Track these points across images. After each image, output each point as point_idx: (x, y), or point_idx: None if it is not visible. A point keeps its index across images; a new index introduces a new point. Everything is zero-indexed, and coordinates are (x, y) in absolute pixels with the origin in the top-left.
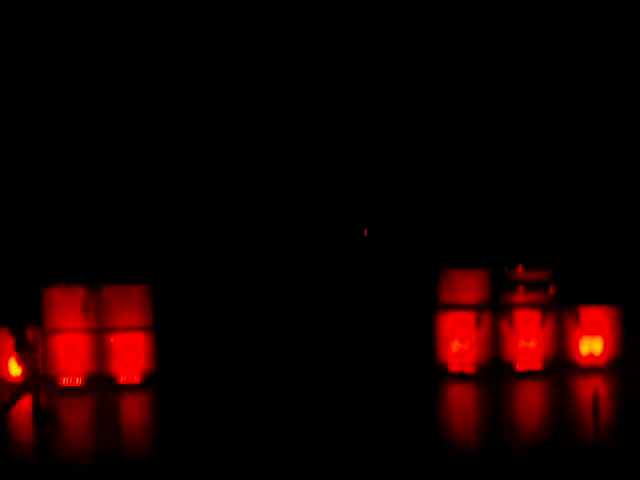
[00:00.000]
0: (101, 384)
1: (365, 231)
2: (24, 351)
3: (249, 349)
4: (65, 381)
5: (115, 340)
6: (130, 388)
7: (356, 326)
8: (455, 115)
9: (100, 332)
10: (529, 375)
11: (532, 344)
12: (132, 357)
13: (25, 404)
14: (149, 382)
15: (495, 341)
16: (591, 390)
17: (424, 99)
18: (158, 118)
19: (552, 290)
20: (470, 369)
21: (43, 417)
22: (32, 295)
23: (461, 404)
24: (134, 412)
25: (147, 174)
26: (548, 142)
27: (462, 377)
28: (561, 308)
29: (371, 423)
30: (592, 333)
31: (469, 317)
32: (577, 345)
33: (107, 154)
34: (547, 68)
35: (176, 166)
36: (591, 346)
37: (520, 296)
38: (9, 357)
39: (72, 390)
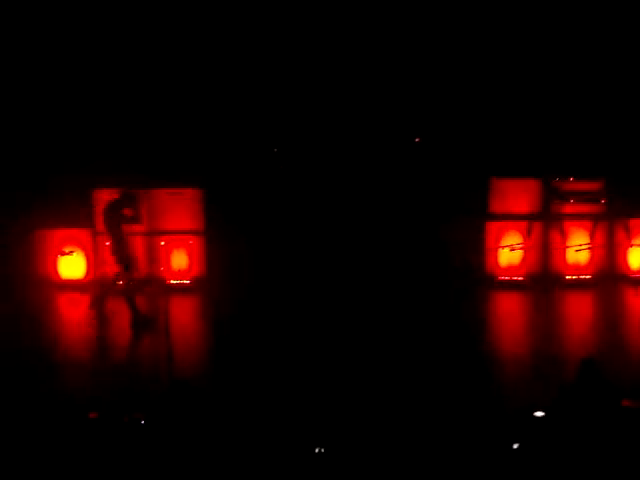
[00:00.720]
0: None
1: (417, 138)
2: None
3: (295, 255)
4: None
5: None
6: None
7: (407, 233)
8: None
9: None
10: (579, 285)
11: (582, 254)
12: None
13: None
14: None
15: (545, 251)
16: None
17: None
18: None
19: (603, 201)
20: (520, 278)
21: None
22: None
23: (510, 311)
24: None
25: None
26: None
27: (512, 285)
28: (612, 219)
29: (420, 327)
30: None
31: (520, 226)
32: (626, 256)
33: None
34: None
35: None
36: None
37: (571, 207)
38: (57, 258)
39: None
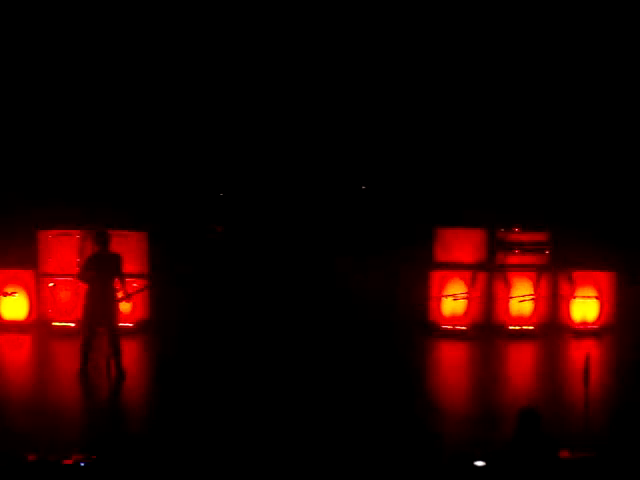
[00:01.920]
0: None
1: (363, 186)
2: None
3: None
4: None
5: None
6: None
7: (352, 280)
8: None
9: None
10: (522, 335)
11: (526, 305)
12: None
13: None
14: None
15: (489, 301)
16: (583, 353)
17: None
18: None
19: (547, 252)
20: (463, 327)
21: None
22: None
23: (452, 360)
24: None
25: None
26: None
27: (455, 334)
28: (556, 271)
29: (362, 374)
30: (586, 297)
31: (464, 276)
32: (569, 308)
33: None
34: None
35: None
36: (584, 310)
37: (515, 257)
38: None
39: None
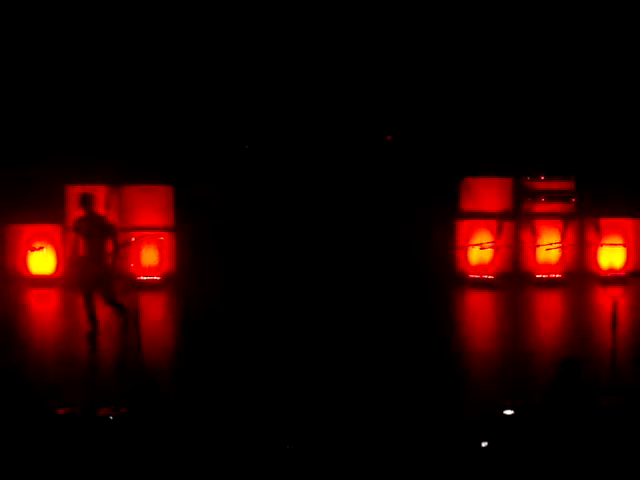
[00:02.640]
0: None
1: (389, 137)
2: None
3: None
4: None
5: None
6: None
7: (379, 232)
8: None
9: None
10: (549, 284)
11: (553, 253)
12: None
13: None
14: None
15: (516, 250)
16: (610, 300)
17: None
18: None
19: (573, 200)
20: (490, 276)
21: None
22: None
23: (479, 310)
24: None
25: None
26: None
27: (482, 284)
28: (582, 218)
29: (391, 325)
30: (613, 244)
31: (490, 225)
32: (597, 255)
33: None
34: None
35: None
36: (611, 257)
37: (541, 206)
38: (27, 253)
39: None
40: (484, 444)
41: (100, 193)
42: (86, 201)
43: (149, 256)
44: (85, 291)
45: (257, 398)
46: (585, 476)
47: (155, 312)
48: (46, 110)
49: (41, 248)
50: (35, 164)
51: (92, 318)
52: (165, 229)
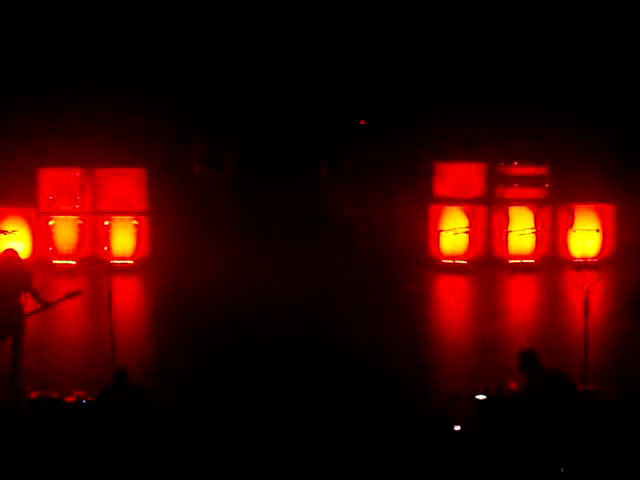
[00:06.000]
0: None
1: (362, 121)
2: None
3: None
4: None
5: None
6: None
7: (352, 215)
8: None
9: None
10: (522, 269)
11: (526, 239)
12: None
13: None
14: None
15: (489, 235)
16: (583, 286)
17: None
18: None
19: (547, 186)
20: (463, 261)
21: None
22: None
23: (452, 294)
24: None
25: None
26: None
27: (455, 269)
28: (555, 204)
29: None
30: (586, 230)
31: (464, 210)
32: (570, 241)
33: None
34: None
35: None
36: (584, 243)
37: (515, 191)
38: None
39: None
40: (457, 427)
41: (73, 175)
42: None
43: (123, 240)
44: None
45: (229, 388)
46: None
47: (128, 298)
48: (19, 90)
49: (14, 231)
50: (7, 146)
51: None
52: (140, 213)
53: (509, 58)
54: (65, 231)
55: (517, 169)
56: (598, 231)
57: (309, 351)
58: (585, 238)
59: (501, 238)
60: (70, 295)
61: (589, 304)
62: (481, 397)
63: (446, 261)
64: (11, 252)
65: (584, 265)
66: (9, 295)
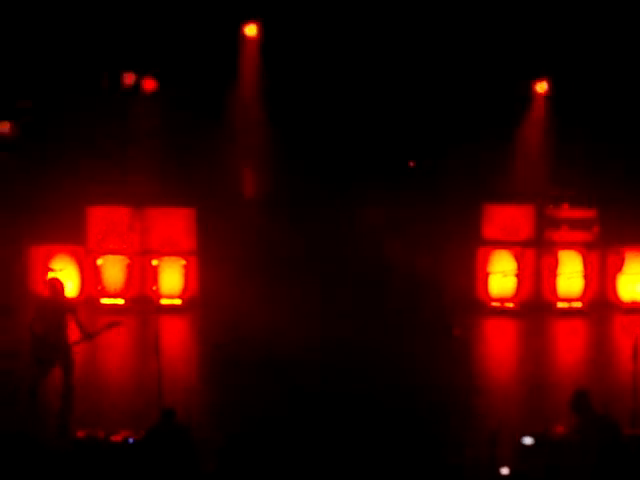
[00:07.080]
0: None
1: (411, 163)
2: None
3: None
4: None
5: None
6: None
7: (401, 259)
8: None
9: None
10: (571, 313)
11: (574, 282)
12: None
13: None
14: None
15: (537, 278)
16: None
17: None
18: None
19: (596, 229)
20: (511, 304)
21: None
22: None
23: (500, 338)
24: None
25: None
26: None
27: (503, 312)
28: (604, 248)
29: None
30: (635, 274)
31: (512, 253)
32: (619, 285)
33: None
34: None
35: None
36: (634, 287)
37: (563, 234)
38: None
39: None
40: (504, 471)
41: (122, 215)
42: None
43: (171, 280)
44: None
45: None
46: None
47: (175, 338)
48: (70, 128)
49: (61, 270)
50: (56, 185)
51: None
52: (188, 253)
53: (558, 100)
54: (113, 270)
55: (566, 212)
56: None
57: (360, 399)
58: (634, 282)
59: (550, 281)
60: (110, 325)
61: (638, 349)
62: (528, 439)
63: (494, 304)
64: (56, 280)
65: (633, 309)
66: (53, 318)
